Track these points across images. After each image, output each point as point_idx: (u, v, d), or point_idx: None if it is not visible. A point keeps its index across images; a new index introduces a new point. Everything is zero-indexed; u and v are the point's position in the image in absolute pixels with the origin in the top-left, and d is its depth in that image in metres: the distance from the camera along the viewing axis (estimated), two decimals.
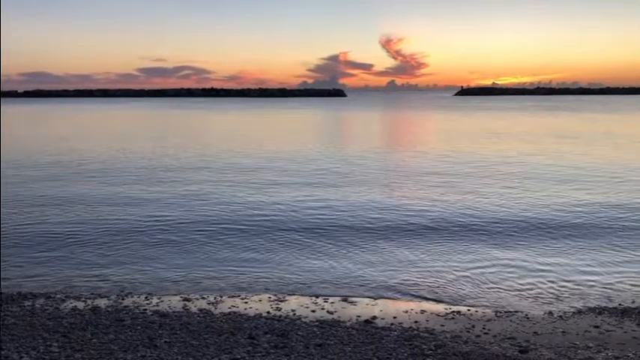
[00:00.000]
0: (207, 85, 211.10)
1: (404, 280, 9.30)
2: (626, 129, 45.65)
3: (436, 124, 56.03)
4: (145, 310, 7.74)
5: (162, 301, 8.18)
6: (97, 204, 15.24)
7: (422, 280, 9.31)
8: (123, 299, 8.27)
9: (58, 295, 8.39)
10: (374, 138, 34.13)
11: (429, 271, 9.74)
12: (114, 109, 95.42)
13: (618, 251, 10.87)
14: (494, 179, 18.75)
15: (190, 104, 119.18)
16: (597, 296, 8.58)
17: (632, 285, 9.11)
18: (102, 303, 8.04)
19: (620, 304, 8.18)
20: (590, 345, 6.55)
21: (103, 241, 11.55)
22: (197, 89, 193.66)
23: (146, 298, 8.35)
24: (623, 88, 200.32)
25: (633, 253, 10.79)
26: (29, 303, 7.93)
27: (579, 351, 6.35)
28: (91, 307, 7.82)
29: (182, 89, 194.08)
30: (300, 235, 11.81)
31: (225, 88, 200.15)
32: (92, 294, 8.50)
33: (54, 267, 9.88)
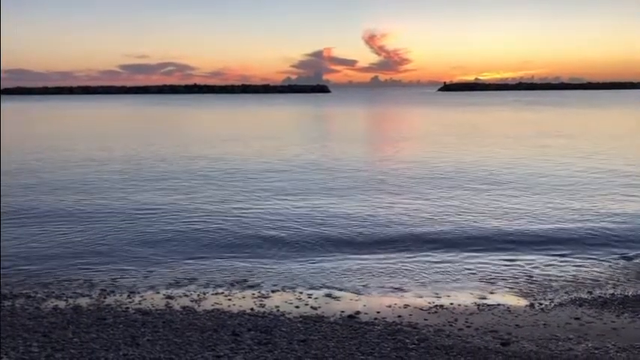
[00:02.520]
0: (191, 82, 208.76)
1: (388, 277, 9.34)
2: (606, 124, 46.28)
3: (419, 122, 56.23)
4: (128, 308, 7.68)
5: (144, 299, 8.12)
6: (78, 204, 15.08)
7: (405, 277, 9.35)
8: (105, 298, 8.19)
9: (39, 295, 8.28)
10: (355, 138, 33.75)
11: (412, 269, 9.79)
12: (95, 107, 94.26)
13: (598, 246, 11.01)
14: (475, 183, 18.79)
15: (174, 101, 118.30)
16: (578, 289, 8.68)
17: (611, 277, 9.24)
18: (83, 302, 7.96)
19: (600, 296, 8.29)
20: (571, 336, 6.64)
21: (85, 240, 11.43)
22: (180, 86, 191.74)
23: (128, 296, 8.28)
24: (604, 83, 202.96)
25: (612, 247, 10.94)
26: (9, 303, 7.82)
27: (560, 342, 6.43)
28: (73, 306, 7.74)
29: (165, 86, 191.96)
30: (281, 241, 11.47)
31: (208, 84, 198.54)
32: (74, 293, 8.41)
33: (35, 267, 9.75)
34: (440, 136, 34.68)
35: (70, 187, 17.33)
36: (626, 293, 8.42)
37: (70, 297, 8.20)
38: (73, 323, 6.87)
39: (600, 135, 34.70)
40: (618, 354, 6.05)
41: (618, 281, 9.02)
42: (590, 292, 8.49)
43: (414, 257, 10.21)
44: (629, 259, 10.17)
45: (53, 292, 8.42)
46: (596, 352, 6.12)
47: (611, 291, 8.55)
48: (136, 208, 14.29)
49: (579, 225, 12.40)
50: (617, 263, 9.96)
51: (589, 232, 11.86)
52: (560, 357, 5.92)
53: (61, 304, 7.86)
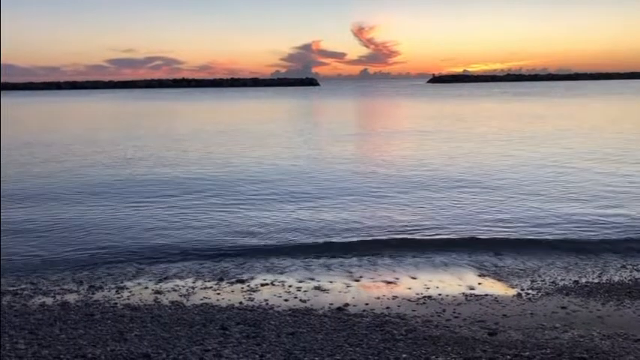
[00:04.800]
0: (179, 76, 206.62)
1: (377, 270, 9.38)
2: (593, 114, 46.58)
3: (407, 116, 56.24)
4: (116, 303, 7.65)
5: (133, 295, 8.09)
6: (66, 202, 14.99)
7: (395, 270, 9.39)
8: (93, 294, 8.15)
9: (26, 292, 8.22)
10: (342, 135, 32.65)
11: (401, 264, 9.83)
12: (84, 102, 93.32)
13: (584, 238, 11.13)
14: (460, 182, 18.76)
15: (162, 95, 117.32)
16: (565, 278, 8.77)
17: (597, 266, 9.35)
18: (71, 298, 7.92)
19: (586, 285, 8.38)
20: (557, 325, 6.70)
21: (73, 238, 11.36)
22: (168, 80, 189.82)
23: (117, 292, 8.25)
24: (590, 74, 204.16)
25: (598, 238, 11.06)
26: None
27: (546, 332, 6.49)
28: (60, 302, 7.70)
29: (153, 80, 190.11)
30: (270, 240, 11.40)
31: (196, 78, 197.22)
32: (61, 289, 8.35)
33: (22, 264, 9.69)
34: (426, 131, 34.60)
35: (58, 186, 17.21)
36: (612, 282, 8.52)
37: (58, 293, 8.15)
38: (60, 320, 6.83)
39: (584, 128, 34.92)
40: (603, 341, 6.11)
41: (604, 270, 9.12)
42: (576, 282, 8.57)
43: (404, 254, 10.10)
44: (614, 249, 10.27)
45: (40, 289, 8.37)
46: (582, 340, 6.18)
47: (597, 280, 8.64)
48: (123, 207, 14.22)
49: (565, 219, 12.50)
50: (603, 253, 10.06)
51: (575, 225, 11.96)
52: (546, 345, 5.97)
53: (49, 300, 7.82)
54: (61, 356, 5.65)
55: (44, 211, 13.44)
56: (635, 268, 9.21)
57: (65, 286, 8.51)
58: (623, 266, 9.31)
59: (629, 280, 8.60)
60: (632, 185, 15.70)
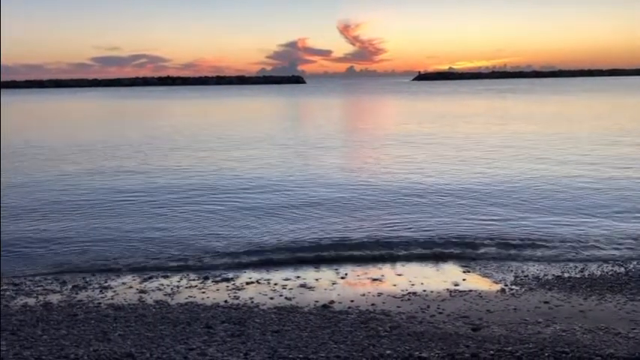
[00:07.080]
0: (164, 74, 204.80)
1: (363, 268, 9.42)
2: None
3: (391, 115, 56.31)
4: (100, 303, 7.60)
5: (117, 294, 8.04)
6: (52, 201, 14.84)
7: (380, 268, 9.43)
8: (77, 294, 8.09)
9: (8, 293, 8.13)
10: (326, 137, 32.21)
11: (387, 260, 9.86)
12: (67, 101, 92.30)
13: (570, 233, 11.24)
14: (445, 186, 18.86)
15: (147, 93, 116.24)
16: (548, 273, 8.85)
17: (580, 261, 9.45)
18: (54, 298, 7.85)
19: (568, 280, 8.47)
20: (540, 320, 6.77)
21: (57, 238, 11.25)
22: (153, 78, 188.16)
23: (101, 291, 8.19)
24: (574, 71, 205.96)
25: (581, 233, 11.17)
26: None
27: (529, 326, 6.56)
28: (43, 303, 7.62)
29: (138, 78, 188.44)
30: (255, 244, 11.40)
31: (181, 76, 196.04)
32: (44, 290, 8.28)
33: (3, 264, 9.56)
34: (409, 132, 34.43)
35: (41, 190, 17.04)
36: (594, 277, 8.62)
37: (41, 294, 8.08)
38: (42, 320, 6.77)
39: (566, 128, 35.21)
40: (584, 335, 6.19)
41: (586, 266, 9.22)
42: (559, 277, 8.65)
43: (389, 252, 10.07)
44: (596, 245, 10.39)
45: (23, 290, 8.27)
46: (564, 334, 6.25)
47: (579, 275, 8.74)
48: (107, 210, 14.11)
49: (550, 216, 12.62)
50: (585, 249, 10.18)
51: (559, 222, 12.08)
52: (529, 340, 6.03)
53: (31, 301, 7.74)
54: (43, 357, 5.59)
55: (28, 214, 13.27)
56: (616, 262, 9.32)
57: (48, 287, 8.43)
58: (605, 261, 9.42)
59: (611, 274, 8.71)
60: (611, 187, 15.78)
